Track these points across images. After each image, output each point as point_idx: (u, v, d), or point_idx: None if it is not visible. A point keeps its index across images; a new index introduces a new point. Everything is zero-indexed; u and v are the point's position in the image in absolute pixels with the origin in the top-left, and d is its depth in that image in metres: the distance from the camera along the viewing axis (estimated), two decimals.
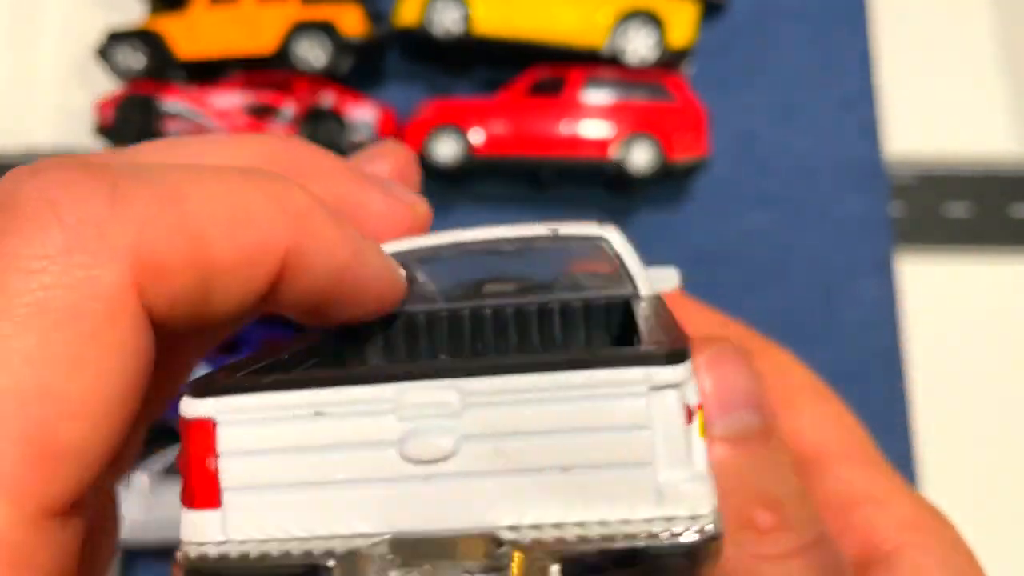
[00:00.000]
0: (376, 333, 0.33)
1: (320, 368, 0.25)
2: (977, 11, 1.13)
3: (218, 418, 0.21)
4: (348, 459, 0.20)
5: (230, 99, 0.99)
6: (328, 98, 0.99)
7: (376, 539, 0.20)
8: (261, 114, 0.98)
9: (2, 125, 1.09)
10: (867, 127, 1.04)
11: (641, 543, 0.19)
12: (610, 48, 0.99)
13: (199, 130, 0.98)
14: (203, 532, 0.21)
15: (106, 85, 1.03)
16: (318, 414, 0.21)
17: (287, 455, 0.21)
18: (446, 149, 0.97)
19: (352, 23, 0.99)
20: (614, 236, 0.33)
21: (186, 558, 0.21)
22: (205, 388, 0.21)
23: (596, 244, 0.33)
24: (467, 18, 0.98)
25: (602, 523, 0.20)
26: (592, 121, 0.98)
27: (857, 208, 1.01)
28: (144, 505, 0.86)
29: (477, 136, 0.97)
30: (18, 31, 1.12)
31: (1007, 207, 1.06)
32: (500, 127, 0.98)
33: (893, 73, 1.07)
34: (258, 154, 0.31)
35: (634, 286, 0.32)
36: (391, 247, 0.33)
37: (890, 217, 1.02)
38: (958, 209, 1.06)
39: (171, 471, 0.88)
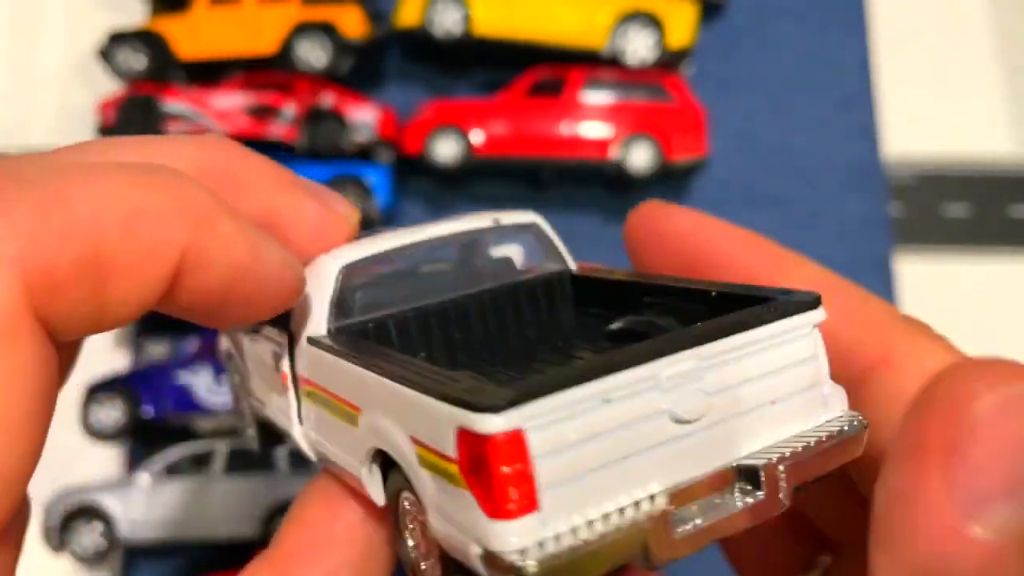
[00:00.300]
0: (388, 336, 0.35)
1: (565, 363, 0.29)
2: (975, 13, 1.13)
3: (525, 426, 0.22)
4: (632, 434, 0.24)
5: (231, 100, 0.99)
6: (328, 98, 0.99)
7: (661, 495, 0.23)
8: (262, 114, 0.99)
9: (3, 125, 1.09)
10: (866, 128, 1.04)
11: (833, 439, 0.26)
12: (610, 49, 0.99)
13: (200, 130, 0.99)
14: (527, 536, 0.22)
15: (107, 86, 1.03)
16: (606, 401, 0.23)
17: (584, 444, 0.23)
18: (446, 149, 0.98)
19: (352, 24, 0.99)
20: (542, 221, 0.39)
21: (517, 566, 0.21)
22: (495, 405, 0.22)
23: (531, 229, 0.38)
24: (467, 19, 0.99)
25: (800, 435, 0.26)
26: (592, 121, 0.98)
27: (856, 208, 1.02)
28: (144, 505, 0.86)
29: (477, 136, 0.98)
30: (20, 32, 1.13)
31: (1005, 207, 1.07)
32: (500, 127, 0.98)
33: (892, 74, 1.07)
34: (193, 158, 0.30)
35: (565, 262, 0.39)
36: (362, 249, 0.35)
37: (889, 217, 1.02)
38: (957, 209, 1.07)
39: (171, 471, 0.88)
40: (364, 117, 0.99)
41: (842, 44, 1.07)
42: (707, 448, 0.25)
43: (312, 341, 0.33)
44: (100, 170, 0.25)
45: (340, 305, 0.34)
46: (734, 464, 0.25)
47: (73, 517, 0.86)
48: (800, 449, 0.26)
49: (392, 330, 0.34)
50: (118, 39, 1.01)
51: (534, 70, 1.00)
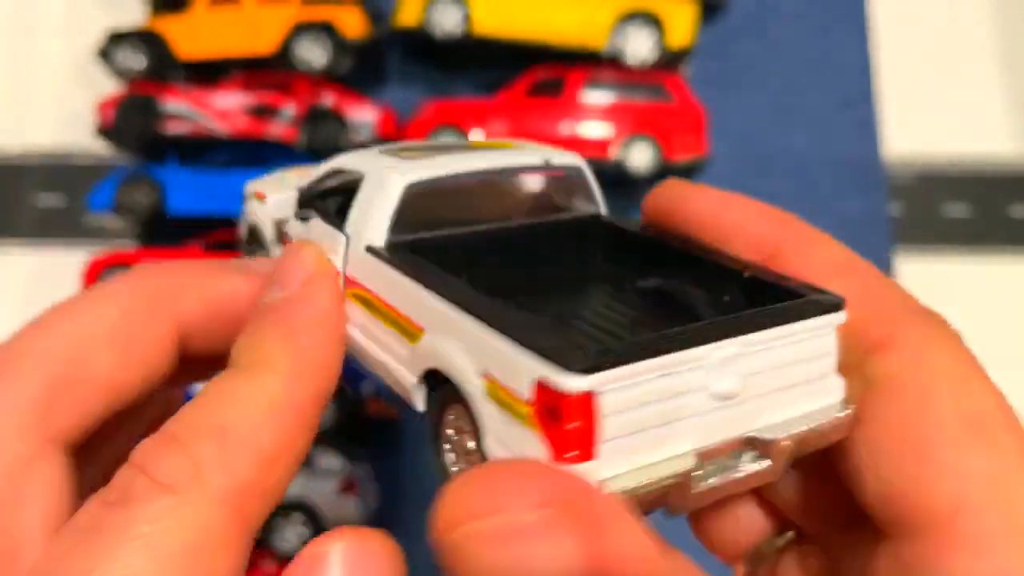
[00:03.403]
0: (437, 256, 0.37)
1: (642, 337, 0.30)
2: (976, 13, 1.13)
3: (599, 389, 0.26)
4: (677, 404, 0.28)
5: (231, 99, 0.99)
6: (328, 98, 0.99)
7: (688, 456, 0.28)
8: (261, 114, 0.98)
9: (3, 125, 1.09)
10: (866, 127, 1.04)
11: (826, 424, 0.30)
12: (610, 48, 0.99)
13: (200, 130, 0.98)
14: (591, 476, 0.26)
15: (107, 85, 1.03)
16: (662, 375, 0.27)
17: (641, 408, 0.27)
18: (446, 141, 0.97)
19: (352, 24, 0.99)
20: (585, 165, 0.41)
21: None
22: (584, 368, 0.25)
23: (575, 171, 0.40)
24: (467, 19, 0.99)
25: (804, 416, 0.31)
26: (592, 121, 0.98)
27: (856, 208, 1.02)
28: None
29: (477, 136, 0.98)
30: (19, 31, 1.13)
31: (1006, 207, 1.07)
32: (500, 127, 0.98)
33: (892, 74, 1.07)
34: (135, 293, 0.36)
35: (600, 207, 0.41)
36: (425, 169, 0.38)
37: (889, 217, 1.02)
38: (957, 209, 1.07)
39: None
40: (364, 117, 0.99)
41: (842, 44, 1.07)
42: (732, 419, 0.29)
43: (373, 251, 0.36)
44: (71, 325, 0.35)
45: (399, 220, 0.37)
46: (750, 435, 0.30)
47: None
48: (804, 428, 0.30)
49: (440, 251, 0.37)
50: (118, 39, 1.01)
51: (534, 70, 1.00)
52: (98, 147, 1.05)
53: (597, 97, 0.99)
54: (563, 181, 0.41)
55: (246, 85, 1.00)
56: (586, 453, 0.26)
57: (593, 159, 0.96)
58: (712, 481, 0.28)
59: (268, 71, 1.01)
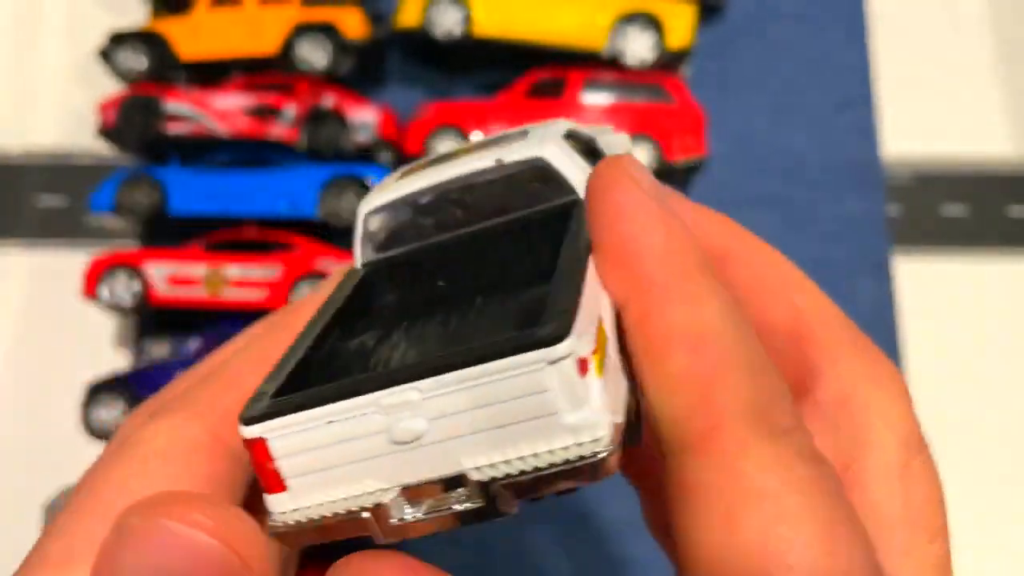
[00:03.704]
0: (380, 280, 0.40)
1: (327, 376, 0.31)
2: (974, 13, 1.14)
3: (265, 436, 0.29)
4: (356, 446, 0.29)
5: (232, 100, 0.99)
6: (329, 99, 0.99)
7: (390, 491, 0.29)
8: (262, 115, 0.99)
9: (4, 126, 1.09)
10: (865, 128, 1.05)
11: (554, 464, 0.27)
12: (609, 49, 1.00)
13: (201, 131, 0.99)
14: (279, 506, 0.29)
15: (108, 86, 1.03)
16: (329, 422, 0.29)
17: (316, 450, 0.29)
18: (447, 150, 0.98)
19: (353, 25, 1.00)
20: (551, 151, 0.37)
21: (273, 524, 0.30)
22: (251, 418, 0.29)
23: (535, 165, 0.37)
24: (468, 20, 0.99)
25: (533, 455, 0.28)
26: (592, 122, 0.98)
27: (854, 209, 1.02)
28: None
29: (478, 137, 0.98)
30: (20, 32, 1.13)
31: (1004, 208, 1.07)
32: (501, 128, 0.99)
33: (891, 74, 1.08)
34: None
35: (573, 192, 0.38)
36: (385, 195, 0.39)
37: (887, 218, 1.03)
38: (955, 210, 1.07)
39: None
40: (365, 118, 0.99)
41: (841, 45, 1.08)
42: (432, 459, 0.29)
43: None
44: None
45: (365, 244, 0.41)
46: (452, 474, 0.29)
47: None
48: (521, 471, 0.28)
49: (392, 270, 0.40)
50: (119, 40, 1.02)
51: (534, 71, 1.01)
52: (99, 147, 1.05)
53: (597, 98, 1.00)
54: (529, 175, 0.38)
55: (247, 86, 1.01)
56: (278, 487, 0.29)
57: None
58: (410, 516, 0.29)
59: (269, 72, 1.01)
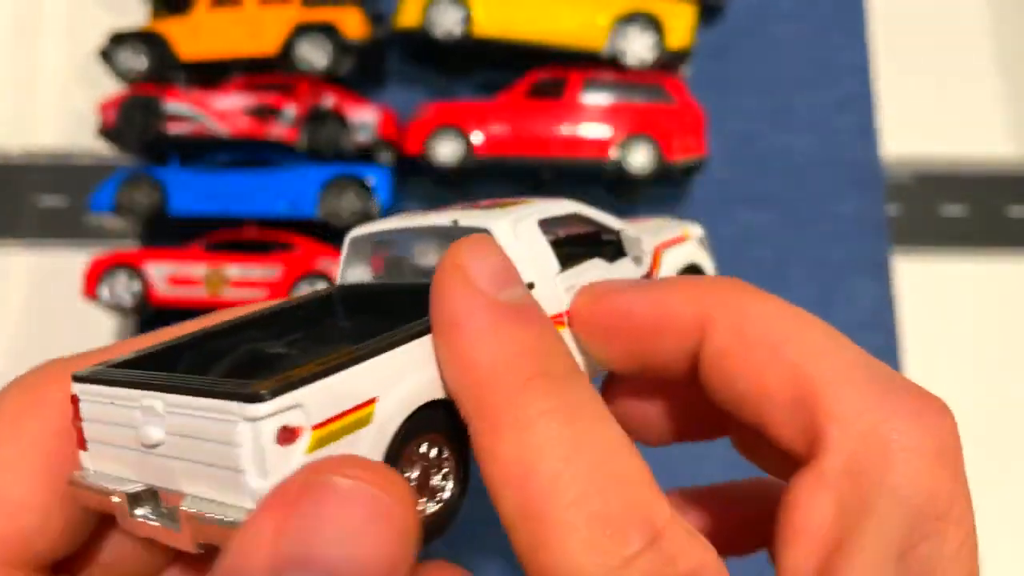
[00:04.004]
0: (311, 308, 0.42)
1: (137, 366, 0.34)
2: (974, 14, 1.14)
3: (78, 395, 0.32)
4: (123, 434, 0.31)
5: (232, 100, 0.99)
6: (329, 99, 0.99)
7: (136, 486, 0.31)
8: (262, 115, 0.99)
9: (5, 126, 1.09)
10: (864, 128, 1.05)
11: (228, 522, 0.27)
12: (609, 49, 1.00)
13: (201, 131, 0.99)
14: (83, 463, 0.33)
15: (109, 86, 1.03)
16: (111, 403, 0.31)
17: (102, 424, 0.32)
18: (447, 150, 0.98)
19: (353, 25, 1.00)
20: (502, 229, 0.36)
21: (73, 477, 0.33)
22: (77, 376, 0.33)
23: (487, 234, 0.36)
24: (468, 20, 0.99)
25: (218, 502, 0.28)
26: (592, 122, 0.99)
27: (854, 209, 1.02)
28: None
29: (478, 137, 0.98)
30: (21, 33, 1.13)
31: (1003, 208, 1.07)
32: (501, 128, 0.99)
33: (890, 75, 1.08)
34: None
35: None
36: (373, 226, 0.42)
37: (887, 218, 1.03)
38: (954, 210, 1.07)
39: None
40: (365, 118, 0.99)
41: (841, 45, 1.08)
42: (156, 468, 0.31)
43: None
44: None
45: (346, 267, 0.43)
46: (172, 490, 0.30)
47: None
48: (203, 513, 0.28)
49: (345, 296, 0.43)
50: (119, 40, 1.02)
51: (534, 72, 1.01)
52: (100, 148, 1.05)
53: (597, 98, 1.00)
54: None
55: (247, 86, 1.01)
56: (82, 445, 0.33)
57: (593, 159, 0.98)
58: (140, 516, 0.31)
59: (269, 72, 1.01)
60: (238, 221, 0.99)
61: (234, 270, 0.95)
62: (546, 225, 0.39)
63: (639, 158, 0.98)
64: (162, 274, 0.96)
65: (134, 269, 0.96)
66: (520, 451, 0.27)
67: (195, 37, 1.01)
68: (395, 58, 1.08)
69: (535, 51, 1.00)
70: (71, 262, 1.01)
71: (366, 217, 0.96)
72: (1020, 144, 1.09)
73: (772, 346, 0.30)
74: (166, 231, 1.02)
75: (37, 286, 1.03)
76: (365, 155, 1.00)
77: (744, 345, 0.31)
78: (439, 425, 0.32)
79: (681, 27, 1.00)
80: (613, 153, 0.98)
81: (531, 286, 0.35)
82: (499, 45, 1.00)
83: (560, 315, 0.36)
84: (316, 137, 0.99)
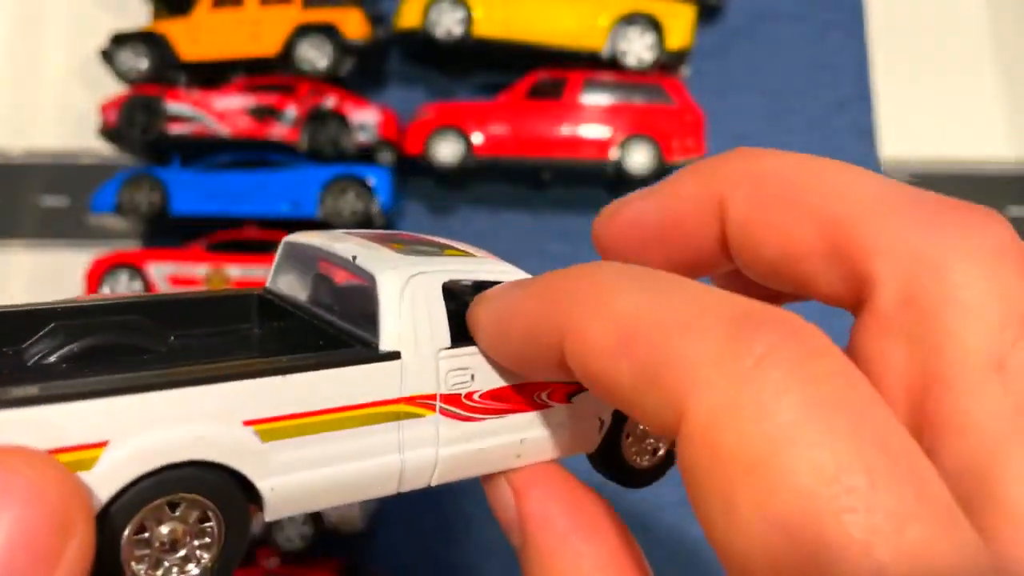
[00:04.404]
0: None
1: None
2: (972, 16, 1.14)
3: None
4: None
5: (233, 101, 1.00)
6: (330, 100, 1.00)
7: None
8: (263, 116, 0.99)
9: (6, 126, 1.09)
10: (863, 130, 1.05)
11: None
12: (609, 50, 1.00)
13: (202, 132, 0.99)
14: None
15: (110, 87, 1.04)
16: None
17: None
18: (447, 150, 0.98)
19: (354, 26, 1.00)
20: (388, 281, 0.32)
21: None
22: None
23: (369, 284, 0.32)
24: (468, 21, 0.99)
25: None
26: (591, 123, 0.99)
27: None
28: None
29: (478, 137, 0.98)
30: (22, 33, 1.13)
31: (1002, 209, 1.07)
32: (501, 129, 0.99)
33: (888, 76, 1.08)
34: None
35: (376, 336, 0.32)
36: (306, 237, 0.39)
37: None
38: None
39: None
40: (365, 118, 0.99)
41: (839, 46, 1.08)
42: None
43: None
44: None
45: (275, 272, 0.42)
46: None
47: None
48: None
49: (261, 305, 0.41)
50: (120, 40, 1.02)
51: (534, 72, 1.01)
52: (101, 148, 1.05)
53: (596, 99, 1.00)
54: (363, 290, 0.34)
55: (248, 87, 1.01)
56: None
57: (593, 160, 0.98)
58: None
59: (270, 73, 1.01)
60: (239, 221, 0.99)
61: (235, 270, 0.96)
62: (465, 289, 0.35)
63: (639, 158, 0.98)
64: (163, 274, 0.97)
65: (135, 269, 0.97)
66: None
67: (196, 38, 1.02)
68: (396, 59, 1.08)
69: (535, 52, 1.00)
70: (73, 262, 1.01)
71: (367, 217, 0.97)
72: (1018, 145, 1.09)
73: (790, 201, 0.27)
74: (167, 231, 1.02)
75: (38, 286, 1.04)
76: (366, 155, 1.00)
77: (762, 209, 0.28)
78: (207, 490, 0.28)
79: (680, 28, 1.00)
80: (613, 154, 0.98)
81: (395, 355, 0.31)
82: (499, 46, 1.01)
83: (428, 396, 0.31)
84: (317, 137, 1.00)
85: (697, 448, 0.21)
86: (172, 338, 0.37)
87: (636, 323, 0.24)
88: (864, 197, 0.26)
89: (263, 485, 0.29)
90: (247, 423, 0.28)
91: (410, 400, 0.31)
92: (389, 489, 0.32)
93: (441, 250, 0.36)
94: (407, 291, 0.32)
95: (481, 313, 0.32)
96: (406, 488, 0.32)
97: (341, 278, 0.38)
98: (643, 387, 0.23)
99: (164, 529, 0.28)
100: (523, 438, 0.33)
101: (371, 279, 0.32)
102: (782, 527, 0.19)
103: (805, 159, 0.28)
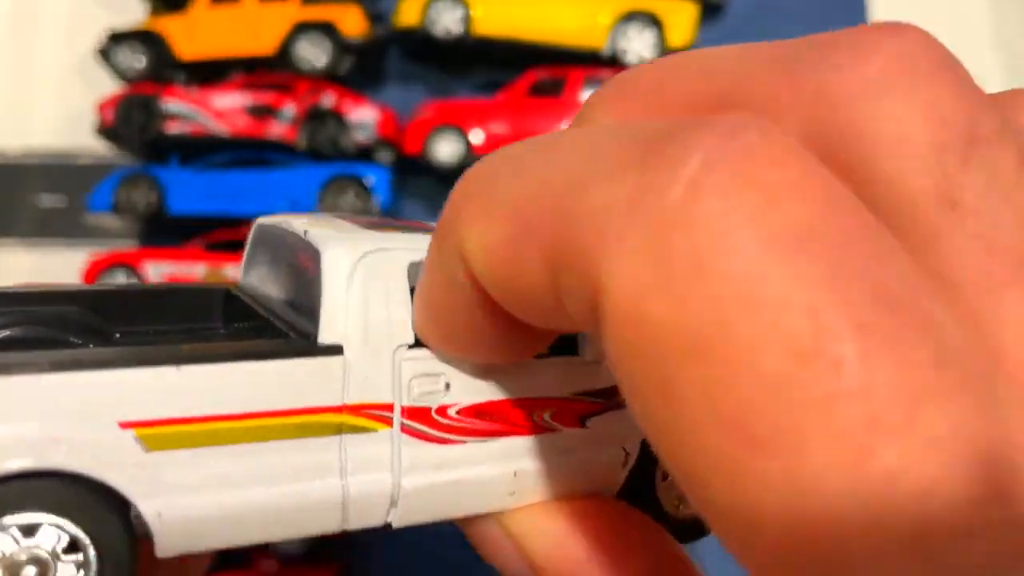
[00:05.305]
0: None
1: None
2: (975, 15, 1.14)
3: None
4: None
5: (231, 99, 0.99)
6: (328, 98, 0.99)
7: None
8: (261, 114, 0.99)
9: (4, 125, 1.09)
10: None
11: None
12: (610, 48, 0.99)
13: (200, 130, 0.99)
14: None
15: (107, 85, 1.03)
16: None
17: None
18: (447, 149, 0.98)
19: (352, 23, 1.00)
20: (335, 257, 0.26)
21: None
22: None
23: (315, 261, 0.26)
24: (467, 19, 0.99)
25: None
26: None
27: None
28: None
29: (477, 136, 0.98)
30: (19, 31, 1.13)
31: None
32: (500, 127, 0.98)
33: None
34: None
35: (316, 322, 0.25)
36: (276, 219, 0.34)
37: None
38: None
39: None
40: (364, 117, 0.99)
41: None
42: None
43: None
44: None
45: (246, 266, 0.35)
46: None
47: None
48: None
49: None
50: (118, 39, 1.02)
51: (534, 71, 1.01)
52: (98, 147, 1.05)
53: None
54: (310, 264, 0.29)
55: (246, 85, 1.00)
56: None
57: None
58: None
59: (268, 71, 1.01)
60: (237, 220, 0.99)
61: (233, 270, 0.95)
62: None
63: None
64: (160, 273, 0.96)
65: (132, 268, 0.96)
66: None
67: (194, 36, 1.01)
68: (395, 57, 1.08)
69: (535, 50, 1.00)
70: (69, 261, 1.01)
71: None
72: None
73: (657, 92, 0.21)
74: (165, 230, 1.01)
75: None
76: (364, 154, 1.00)
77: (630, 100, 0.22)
78: (68, 510, 0.22)
79: (682, 25, 1.00)
80: None
81: (335, 350, 0.25)
82: (499, 44, 1.00)
83: (382, 407, 0.25)
84: (315, 136, 0.99)
85: (620, 328, 0.16)
86: (117, 335, 0.31)
87: (530, 204, 0.18)
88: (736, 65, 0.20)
89: (147, 507, 0.22)
90: (125, 425, 0.22)
91: (355, 410, 0.25)
92: (330, 524, 0.25)
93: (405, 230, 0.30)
94: (359, 271, 0.25)
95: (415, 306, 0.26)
96: (355, 524, 0.25)
97: (308, 264, 0.31)
98: (561, 282, 0.18)
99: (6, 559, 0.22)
100: (517, 470, 0.26)
101: (316, 255, 0.26)
102: (744, 431, 0.14)
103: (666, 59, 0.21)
